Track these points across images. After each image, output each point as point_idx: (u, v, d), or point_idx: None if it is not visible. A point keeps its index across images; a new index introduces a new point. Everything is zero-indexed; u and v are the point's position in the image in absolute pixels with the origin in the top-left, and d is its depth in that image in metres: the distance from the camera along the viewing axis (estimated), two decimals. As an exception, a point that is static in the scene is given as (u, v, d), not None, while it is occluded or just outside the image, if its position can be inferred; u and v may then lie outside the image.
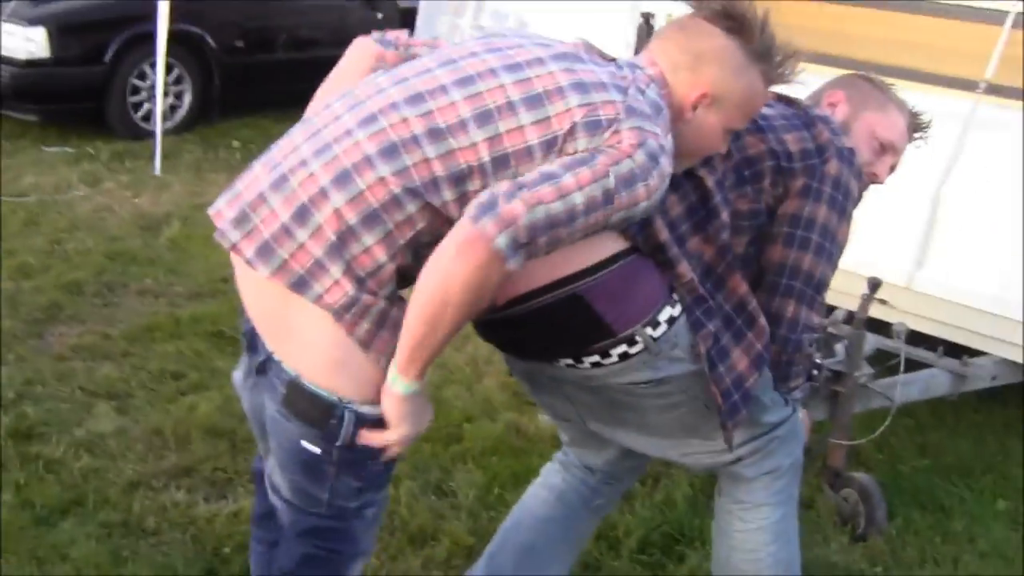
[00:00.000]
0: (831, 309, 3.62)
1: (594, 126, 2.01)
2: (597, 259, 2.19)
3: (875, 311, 3.63)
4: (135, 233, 6.01)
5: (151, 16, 7.20)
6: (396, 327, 2.03)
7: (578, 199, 1.97)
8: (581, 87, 2.05)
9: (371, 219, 2.01)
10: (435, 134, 2.02)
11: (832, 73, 4.27)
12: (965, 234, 4.06)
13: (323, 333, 2.05)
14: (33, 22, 7.70)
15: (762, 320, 2.39)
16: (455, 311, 1.96)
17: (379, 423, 2.10)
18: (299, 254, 2.02)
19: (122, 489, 3.50)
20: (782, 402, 2.56)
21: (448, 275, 1.94)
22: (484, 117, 2.02)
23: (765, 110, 2.43)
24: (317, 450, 2.13)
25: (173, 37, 7.46)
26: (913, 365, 3.84)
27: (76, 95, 7.94)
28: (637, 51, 3.52)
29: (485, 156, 2.01)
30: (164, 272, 5.47)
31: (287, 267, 2.03)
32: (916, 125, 2.75)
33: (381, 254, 2.03)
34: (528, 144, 2.02)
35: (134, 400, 4.12)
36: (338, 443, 2.11)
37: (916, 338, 3.81)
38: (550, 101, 2.03)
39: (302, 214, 2.03)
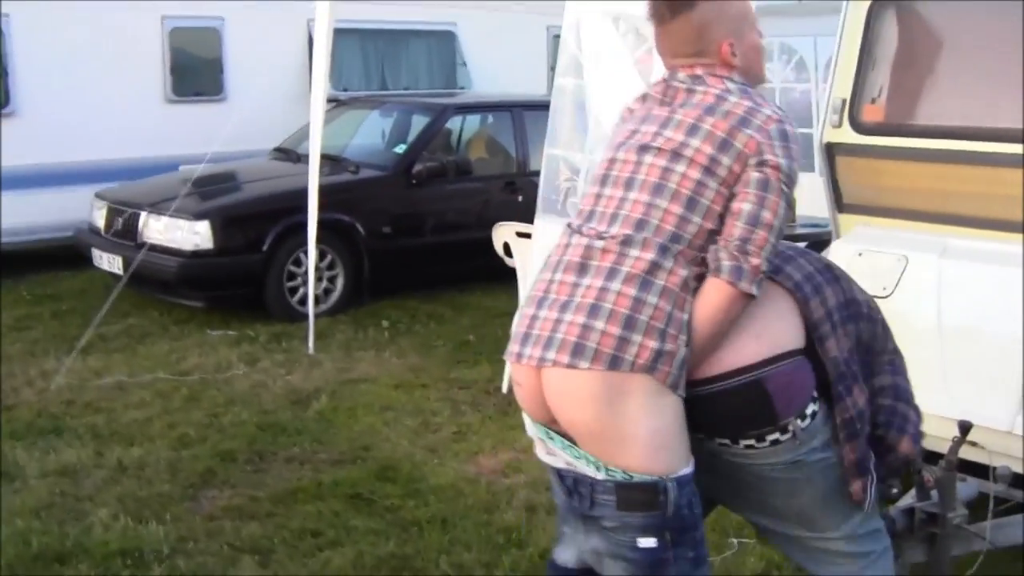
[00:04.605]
0: (932, 456, 3.72)
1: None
2: (779, 351, 2.57)
3: (978, 455, 3.72)
4: (286, 406, 6.40)
5: (304, 207, 7.60)
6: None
7: (778, 223, 2.53)
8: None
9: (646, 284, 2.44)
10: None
11: (929, 228, 4.46)
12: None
13: (640, 423, 2.41)
14: (199, 216, 8.23)
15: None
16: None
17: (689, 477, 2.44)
18: (604, 339, 2.41)
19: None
20: (884, 533, 2.90)
21: (722, 322, 2.50)
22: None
23: None
24: (653, 542, 2.42)
25: (326, 226, 7.85)
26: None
27: (237, 282, 8.39)
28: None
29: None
30: (310, 441, 5.81)
31: (600, 354, 2.40)
32: None
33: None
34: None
35: (275, 555, 4.43)
36: (669, 514, 2.40)
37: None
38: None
39: (593, 311, 2.44)
